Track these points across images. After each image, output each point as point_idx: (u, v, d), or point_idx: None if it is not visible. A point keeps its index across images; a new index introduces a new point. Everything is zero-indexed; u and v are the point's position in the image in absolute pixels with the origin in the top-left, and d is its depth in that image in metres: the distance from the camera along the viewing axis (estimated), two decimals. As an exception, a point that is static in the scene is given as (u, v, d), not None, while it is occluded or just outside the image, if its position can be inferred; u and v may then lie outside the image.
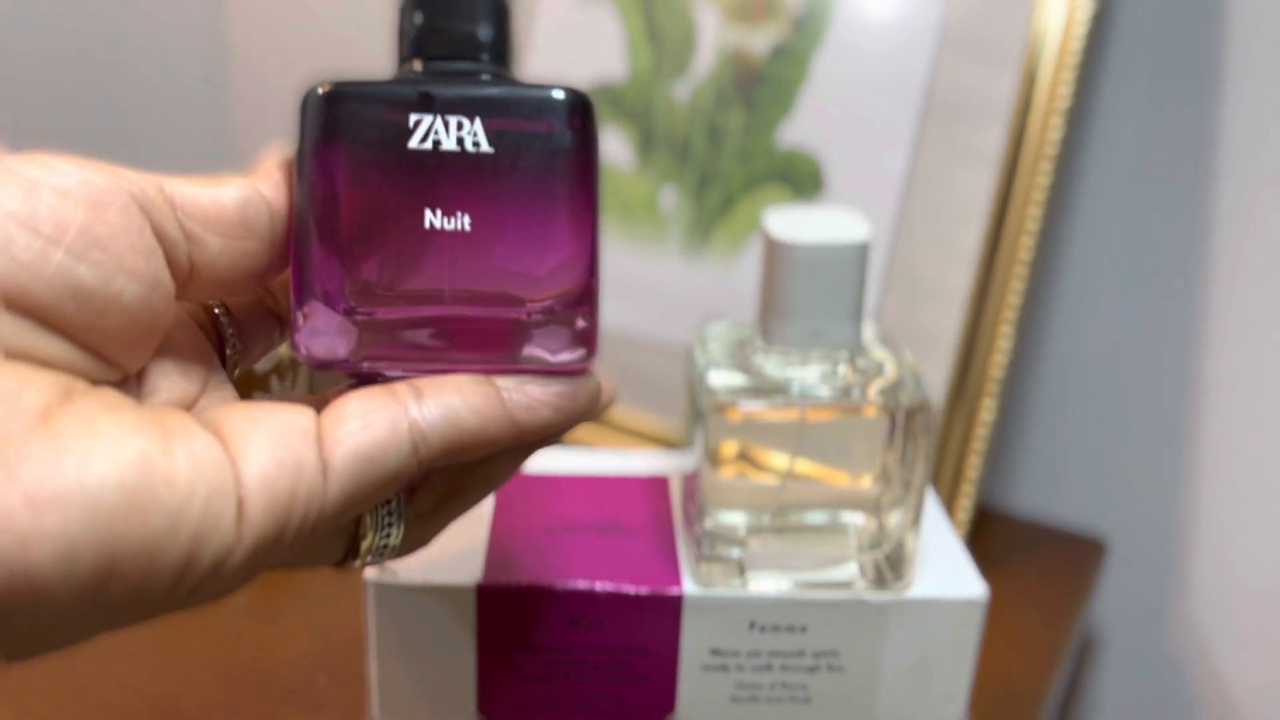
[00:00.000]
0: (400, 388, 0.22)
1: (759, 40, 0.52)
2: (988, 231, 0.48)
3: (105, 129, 0.66)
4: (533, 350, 0.23)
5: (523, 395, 0.23)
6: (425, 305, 0.23)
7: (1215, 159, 0.50)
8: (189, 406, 0.24)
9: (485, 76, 0.24)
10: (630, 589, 0.33)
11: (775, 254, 0.32)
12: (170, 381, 0.24)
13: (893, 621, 0.33)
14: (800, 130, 0.52)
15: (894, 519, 0.33)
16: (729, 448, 0.33)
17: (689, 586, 0.33)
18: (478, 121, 0.23)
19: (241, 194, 0.23)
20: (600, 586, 0.33)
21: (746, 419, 0.32)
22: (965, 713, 0.35)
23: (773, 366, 0.33)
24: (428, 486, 0.27)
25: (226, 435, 0.20)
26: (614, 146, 0.56)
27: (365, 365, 0.23)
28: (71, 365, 0.21)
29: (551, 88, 0.23)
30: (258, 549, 0.20)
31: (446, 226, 0.23)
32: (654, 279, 0.55)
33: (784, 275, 0.32)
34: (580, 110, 0.23)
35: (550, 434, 0.24)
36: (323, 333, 0.23)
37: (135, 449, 0.18)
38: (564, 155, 0.23)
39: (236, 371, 0.26)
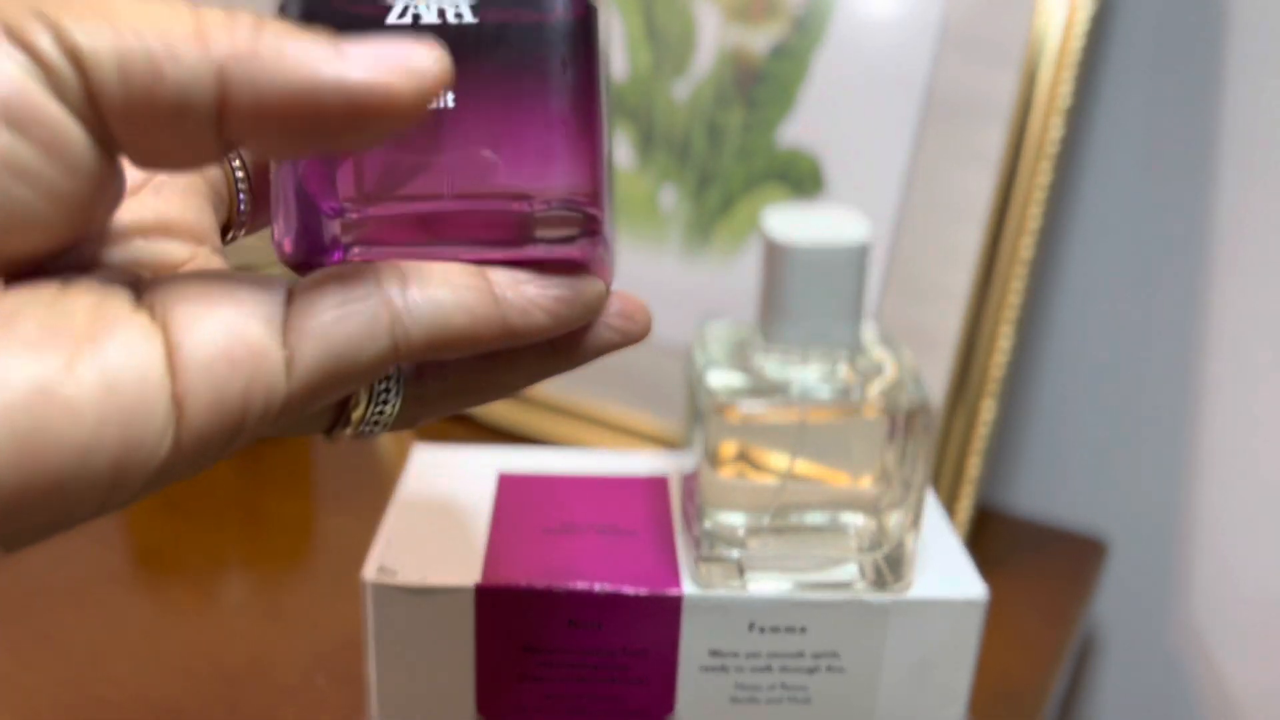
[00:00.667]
0: (385, 271, 0.20)
1: (759, 39, 0.52)
2: (988, 231, 0.48)
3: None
4: (534, 238, 0.21)
5: (518, 295, 0.21)
6: (421, 203, 0.21)
7: (1216, 158, 0.50)
8: (166, 270, 0.22)
9: None
10: (629, 590, 0.33)
11: (774, 256, 0.32)
12: (147, 244, 0.21)
13: (893, 622, 0.33)
14: (800, 129, 0.52)
15: (894, 519, 0.33)
16: (728, 448, 0.33)
17: (688, 587, 0.33)
18: None
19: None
20: (599, 587, 0.33)
21: (746, 419, 0.32)
22: (965, 713, 0.35)
23: (772, 367, 0.33)
24: (437, 374, 0.25)
25: (174, 323, 0.18)
26: (613, 146, 0.56)
27: (354, 257, 0.21)
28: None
29: None
30: (205, 447, 0.18)
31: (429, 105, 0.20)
32: (654, 279, 0.55)
33: (783, 277, 0.32)
34: None
35: (547, 337, 0.22)
36: (307, 230, 0.21)
37: (26, 379, 0.16)
38: (559, 34, 0.21)
39: (241, 234, 0.24)
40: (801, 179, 0.52)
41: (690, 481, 0.35)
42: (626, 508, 0.37)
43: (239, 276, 0.19)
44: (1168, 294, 0.53)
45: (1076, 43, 0.46)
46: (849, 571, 0.34)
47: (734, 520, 0.33)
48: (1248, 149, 0.49)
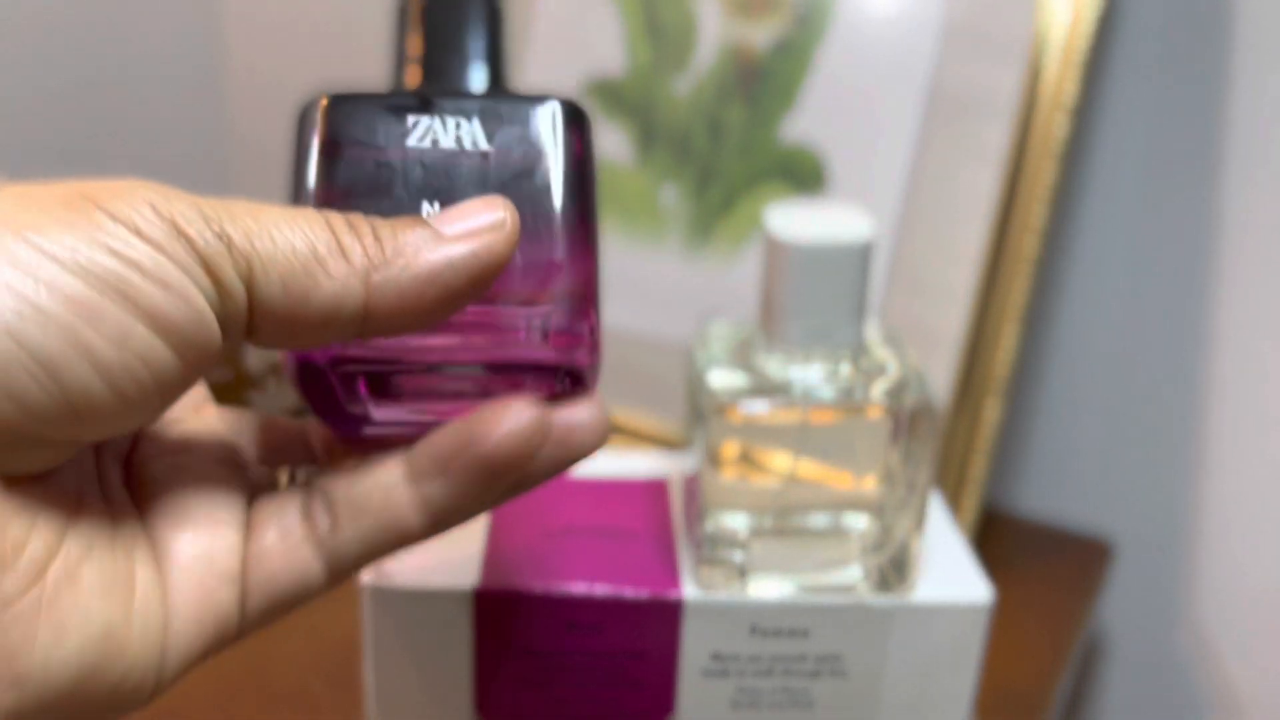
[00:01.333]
0: (317, 512, 0.22)
1: (760, 35, 0.52)
2: (992, 229, 0.48)
3: (99, 124, 0.66)
4: (528, 348, 0.23)
5: (442, 494, 0.22)
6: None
7: (1223, 157, 0.50)
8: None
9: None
10: (629, 593, 0.32)
11: (776, 254, 0.32)
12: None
13: (896, 625, 0.33)
14: (802, 126, 0.51)
15: (898, 521, 0.33)
16: (730, 449, 0.32)
17: (689, 590, 0.33)
18: (475, 121, 0.23)
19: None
20: (599, 590, 0.32)
21: (748, 420, 0.32)
22: (970, 717, 0.35)
23: (774, 366, 0.33)
24: None
25: (163, 577, 0.20)
26: (613, 143, 0.55)
27: (351, 367, 0.23)
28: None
29: (547, 97, 0.24)
30: (166, 686, 0.21)
31: None
32: (654, 277, 0.54)
33: (786, 275, 0.32)
34: (574, 117, 0.24)
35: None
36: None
37: (101, 621, 0.18)
38: (559, 160, 0.23)
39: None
40: (804, 176, 0.52)
41: (691, 483, 0.34)
42: (627, 510, 0.36)
43: (202, 508, 0.22)
44: (1173, 293, 0.52)
45: (1082, 40, 0.46)
46: (852, 574, 0.33)
47: (735, 522, 0.33)
48: (1254, 147, 0.49)
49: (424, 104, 0.23)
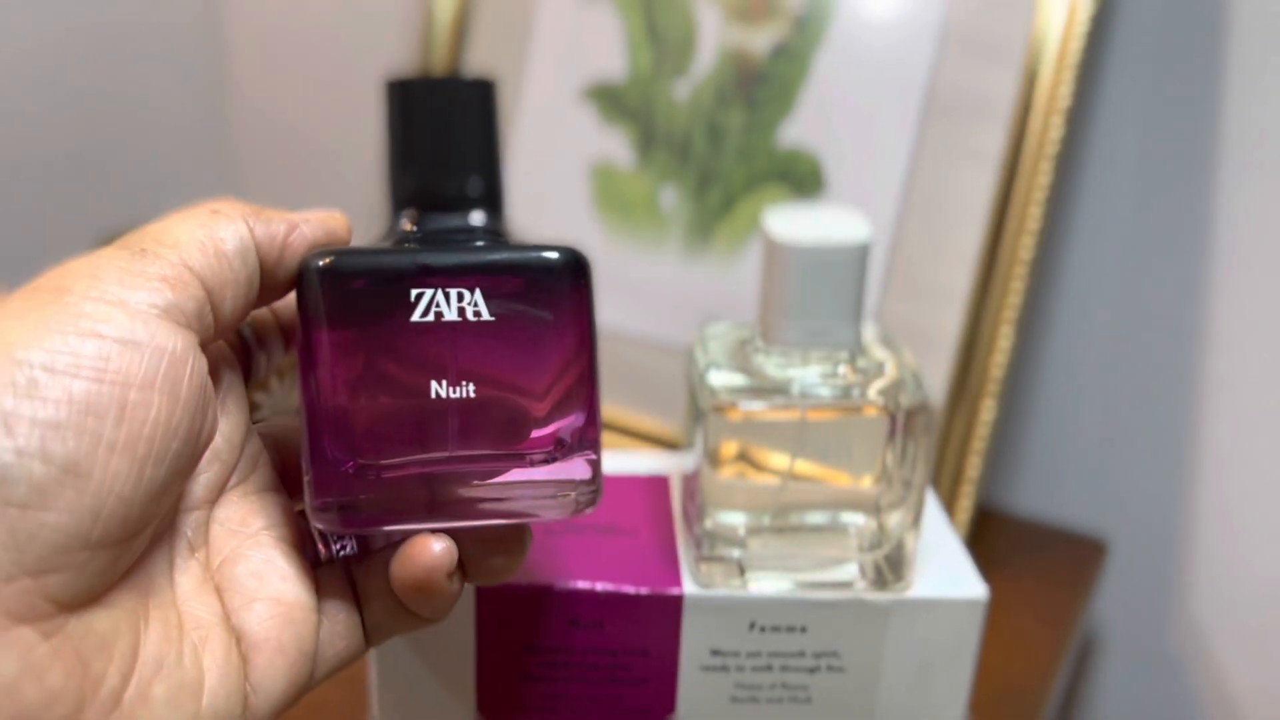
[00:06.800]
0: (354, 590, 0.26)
1: (760, 39, 0.52)
2: (988, 231, 0.48)
3: (100, 128, 0.66)
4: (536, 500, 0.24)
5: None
6: (431, 464, 0.24)
7: (1217, 158, 0.50)
8: (229, 473, 0.25)
9: (479, 242, 0.24)
10: (630, 589, 0.33)
11: (775, 255, 0.32)
12: (217, 467, 0.25)
13: (893, 622, 0.33)
14: (801, 130, 0.52)
15: (894, 519, 0.33)
16: (729, 448, 0.33)
17: (689, 587, 0.33)
18: (478, 292, 0.23)
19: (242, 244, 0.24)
20: (600, 587, 0.33)
21: (747, 419, 0.32)
22: (966, 713, 0.35)
23: (773, 366, 0.33)
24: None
25: (247, 653, 0.23)
26: (614, 146, 0.56)
27: (378, 529, 0.24)
28: None
29: (547, 249, 0.23)
30: None
31: (452, 395, 0.23)
32: (654, 279, 0.55)
33: (784, 276, 0.32)
34: (575, 269, 0.23)
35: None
36: (334, 502, 0.24)
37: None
38: (561, 314, 0.23)
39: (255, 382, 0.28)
40: (802, 179, 0.52)
41: (691, 481, 0.35)
42: (627, 507, 0.37)
43: (282, 573, 0.24)
44: (1167, 294, 0.53)
45: (1077, 43, 0.46)
46: (849, 571, 0.33)
47: (734, 520, 0.33)
48: (1247, 149, 0.49)
49: (425, 272, 0.23)
